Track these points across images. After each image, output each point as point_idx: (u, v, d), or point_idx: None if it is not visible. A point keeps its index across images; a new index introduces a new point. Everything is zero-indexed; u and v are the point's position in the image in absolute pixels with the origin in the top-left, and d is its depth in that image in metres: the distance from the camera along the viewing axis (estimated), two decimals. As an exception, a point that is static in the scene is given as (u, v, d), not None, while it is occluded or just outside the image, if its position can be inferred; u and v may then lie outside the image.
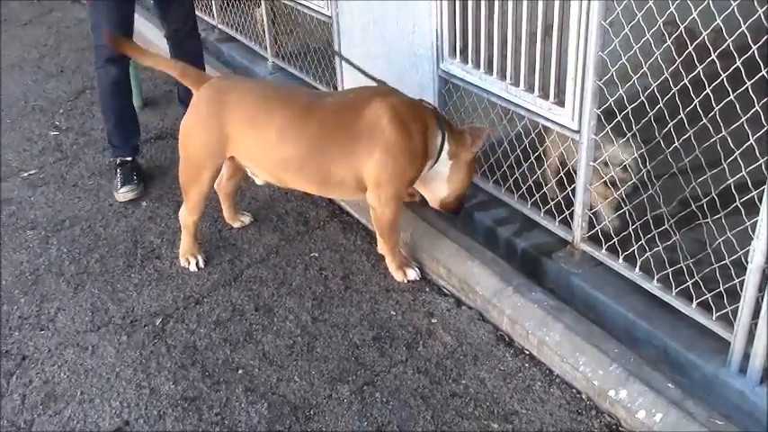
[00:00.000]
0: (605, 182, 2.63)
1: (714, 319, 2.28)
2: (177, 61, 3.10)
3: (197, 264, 3.21)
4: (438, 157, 2.87)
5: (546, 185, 2.98)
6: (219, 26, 5.36)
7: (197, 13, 5.52)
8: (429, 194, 3.06)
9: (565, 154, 2.86)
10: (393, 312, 2.93)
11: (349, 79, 3.85)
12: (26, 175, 4.10)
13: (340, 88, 3.94)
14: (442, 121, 2.87)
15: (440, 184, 2.97)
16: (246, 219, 3.49)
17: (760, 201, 2.01)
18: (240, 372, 2.67)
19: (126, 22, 3.67)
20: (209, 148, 2.90)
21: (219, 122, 2.84)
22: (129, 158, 3.89)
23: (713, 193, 2.34)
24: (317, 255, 3.30)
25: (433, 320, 2.87)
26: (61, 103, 5.03)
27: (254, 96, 2.87)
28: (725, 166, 2.21)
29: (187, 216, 3.12)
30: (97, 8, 3.60)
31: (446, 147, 2.86)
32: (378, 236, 3.03)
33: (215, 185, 3.21)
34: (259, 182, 3.29)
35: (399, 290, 3.04)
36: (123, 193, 3.76)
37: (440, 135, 2.84)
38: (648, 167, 2.54)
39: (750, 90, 1.98)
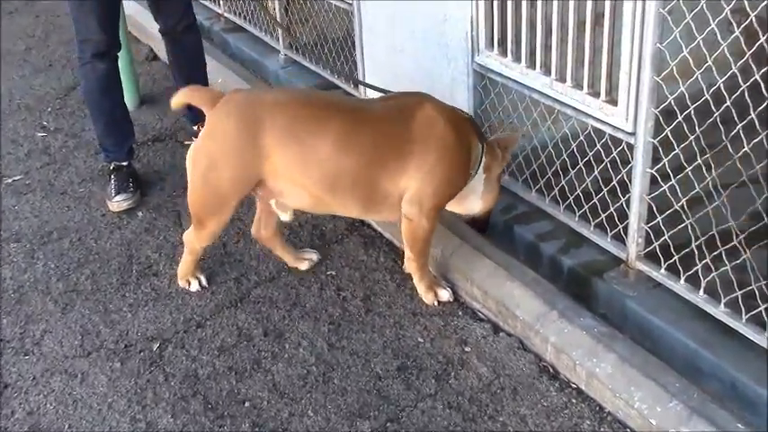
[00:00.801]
0: None
1: (790, 349, 2.26)
2: (182, 87, 3.03)
3: (199, 283, 3.23)
4: (477, 170, 2.92)
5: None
6: (226, 15, 5.43)
7: (201, 0, 5.63)
8: (461, 211, 3.11)
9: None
10: (421, 339, 2.93)
11: (370, 74, 3.88)
12: (10, 181, 4.17)
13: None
14: (480, 132, 2.95)
15: (473, 200, 3.04)
16: (314, 255, 3.38)
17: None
18: (247, 405, 2.69)
19: (115, 14, 3.73)
20: (241, 174, 2.82)
21: (254, 140, 2.76)
22: (125, 163, 3.94)
23: (789, 205, 2.32)
24: (334, 273, 3.32)
25: (466, 349, 2.88)
26: (50, 100, 5.11)
27: (294, 106, 2.83)
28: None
29: (196, 242, 3.09)
30: (86, 2, 3.59)
31: (483, 160, 2.93)
32: (407, 251, 3.03)
33: (254, 234, 3.26)
34: (285, 217, 3.17)
35: (428, 314, 3.05)
36: (118, 203, 3.81)
37: (479, 147, 2.90)
38: (714, 175, 2.53)
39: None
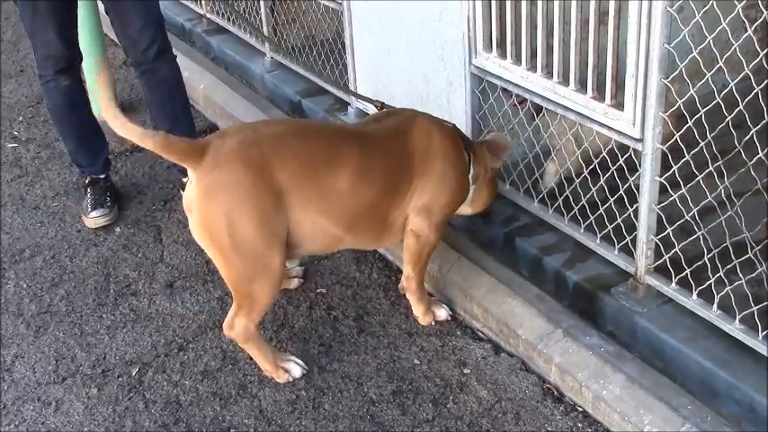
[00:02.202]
0: None
1: (811, 368, 2.26)
2: (155, 132, 2.64)
3: (298, 364, 2.91)
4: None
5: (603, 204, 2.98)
6: (208, 16, 5.44)
7: (182, 0, 5.63)
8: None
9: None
10: (417, 361, 2.93)
11: (362, 77, 3.88)
12: (-22, 195, 4.17)
13: (352, 87, 3.97)
14: (466, 142, 3.02)
15: (463, 207, 3.10)
16: (299, 269, 3.39)
17: None
18: (232, 433, 2.69)
19: (73, 22, 3.61)
20: (269, 219, 2.61)
21: (270, 183, 2.59)
22: (102, 176, 3.94)
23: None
24: (324, 291, 3.32)
25: (465, 371, 2.87)
26: (21, 109, 5.12)
27: (296, 139, 2.71)
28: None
29: (250, 324, 2.76)
30: (36, 8, 3.48)
31: (471, 171, 2.99)
32: (407, 269, 3.01)
33: None
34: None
35: (425, 334, 3.05)
36: (94, 219, 3.81)
37: (466, 157, 2.97)
38: (727, 183, 2.53)
39: None
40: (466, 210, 3.12)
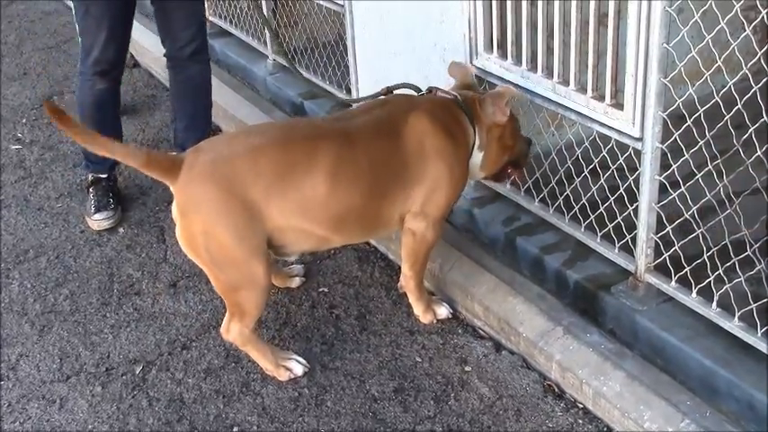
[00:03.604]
0: None
1: (809, 365, 2.27)
2: (139, 147, 2.68)
3: (298, 362, 2.93)
4: (472, 152, 2.95)
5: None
6: (211, 18, 5.45)
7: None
8: None
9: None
10: (419, 359, 2.95)
11: (364, 79, 3.90)
12: (-17, 196, 4.19)
13: (354, 89, 3.99)
14: (469, 112, 2.92)
15: (474, 172, 3.04)
16: (300, 268, 3.38)
17: None
18: (235, 429, 2.70)
19: (126, 31, 3.67)
20: (244, 229, 2.62)
21: (243, 201, 2.59)
22: (104, 176, 3.95)
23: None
24: (326, 290, 3.34)
25: (466, 368, 2.89)
26: (24, 111, 5.13)
27: (273, 147, 2.69)
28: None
29: (244, 328, 2.80)
30: (89, 10, 3.56)
31: (477, 141, 2.94)
32: (406, 268, 3.03)
33: None
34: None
35: (426, 332, 3.06)
36: (98, 221, 3.81)
37: (471, 128, 2.92)
38: (726, 182, 2.54)
39: None
40: (478, 174, 3.05)
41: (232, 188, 2.59)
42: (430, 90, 3.00)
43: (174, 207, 2.68)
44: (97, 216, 3.81)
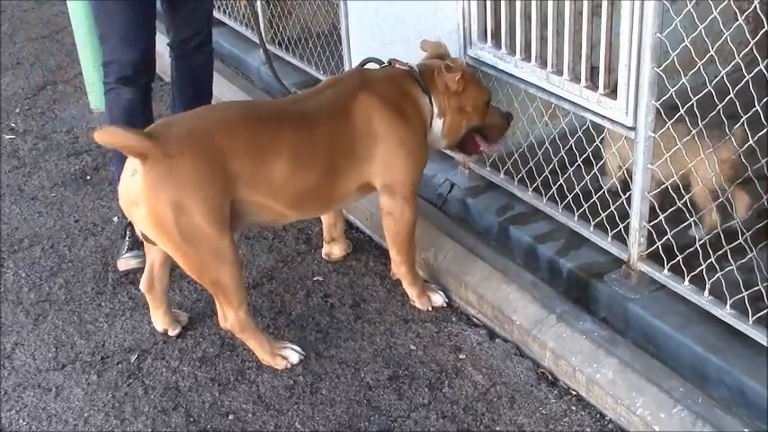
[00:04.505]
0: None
1: (800, 351, 2.29)
2: (100, 125, 2.62)
3: (294, 350, 2.93)
4: (431, 122, 3.00)
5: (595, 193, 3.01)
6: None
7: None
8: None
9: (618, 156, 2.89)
10: (413, 347, 2.96)
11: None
12: (-23, 185, 4.18)
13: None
14: (422, 81, 2.97)
15: (438, 143, 3.09)
16: (184, 318, 3.16)
17: None
18: (231, 417, 2.71)
19: (148, 28, 3.36)
20: (215, 204, 2.63)
21: (220, 170, 2.62)
22: None
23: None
24: (321, 279, 3.35)
25: (460, 356, 2.90)
26: (17, 101, 5.12)
27: (245, 124, 2.73)
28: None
29: (237, 313, 2.79)
30: (108, 13, 3.29)
31: (435, 110, 2.98)
32: (393, 253, 3.07)
33: (144, 288, 3.01)
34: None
35: (420, 320, 3.08)
36: (125, 260, 3.43)
37: (426, 98, 2.97)
38: (718, 171, 2.56)
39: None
40: (442, 144, 3.10)
41: (210, 159, 2.61)
42: (389, 62, 3.05)
43: (133, 184, 2.61)
44: (127, 255, 3.42)
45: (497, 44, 3.07)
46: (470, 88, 3.01)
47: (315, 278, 3.35)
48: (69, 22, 4.72)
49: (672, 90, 2.50)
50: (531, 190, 3.17)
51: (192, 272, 2.75)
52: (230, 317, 2.80)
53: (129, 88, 3.34)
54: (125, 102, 3.35)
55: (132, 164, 2.62)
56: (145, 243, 2.90)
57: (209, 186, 2.61)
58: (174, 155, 2.57)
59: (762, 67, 2.23)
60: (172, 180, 2.58)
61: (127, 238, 3.46)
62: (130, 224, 3.39)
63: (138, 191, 2.60)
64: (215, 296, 2.79)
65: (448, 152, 3.35)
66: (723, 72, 2.33)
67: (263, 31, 4.70)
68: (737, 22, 2.32)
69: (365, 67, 3.09)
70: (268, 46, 4.72)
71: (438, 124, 3.01)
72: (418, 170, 2.97)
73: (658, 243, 2.69)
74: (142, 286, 3.01)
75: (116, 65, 3.31)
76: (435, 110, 2.98)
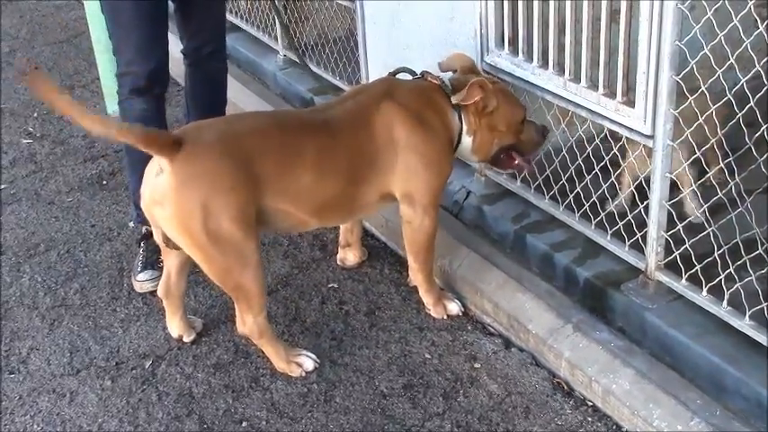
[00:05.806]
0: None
1: (820, 364, 2.27)
2: (133, 125, 2.68)
3: (310, 357, 2.93)
4: (459, 139, 2.97)
5: (613, 201, 2.99)
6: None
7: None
8: None
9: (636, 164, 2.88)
10: (428, 355, 2.95)
11: (375, 75, 3.90)
12: (-6, 190, 4.21)
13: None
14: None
15: (466, 156, 3.09)
16: (199, 324, 3.16)
17: None
18: (244, 425, 2.71)
19: (161, 36, 3.32)
20: (243, 209, 2.62)
21: (247, 174, 2.62)
22: None
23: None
24: (336, 286, 3.34)
25: (476, 365, 2.89)
26: (36, 105, 5.15)
27: (273, 131, 2.76)
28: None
29: (257, 318, 2.79)
30: (122, 27, 3.26)
31: (464, 127, 2.96)
32: (411, 261, 3.07)
33: (161, 293, 3.01)
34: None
35: (435, 328, 3.06)
36: (141, 282, 3.38)
37: (455, 114, 2.94)
38: (737, 180, 2.54)
39: None
40: (473, 159, 3.11)
41: (240, 162, 2.61)
42: (422, 74, 3.02)
43: (159, 186, 2.60)
44: (142, 276, 3.37)
45: (515, 51, 3.06)
46: (503, 107, 2.96)
47: (330, 285, 3.34)
48: (87, 27, 4.75)
49: (691, 98, 2.48)
50: (547, 198, 3.15)
51: (214, 275, 2.73)
52: (249, 322, 2.79)
53: (142, 98, 3.33)
54: (138, 112, 3.31)
55: (158, 164, 2.61)
56: (162, 249, 2.90)
57: (239, 190, 2.61)
58: (203, 156, 2.59)
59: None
60: (202, 181, 2.58)
61: (141, 252, 3.43)
62: (145, 237, 3.41)
63: (164, 191, 2.59)
64: (236, 301, 2.78)
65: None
66: (743, 80, 2.31)
67: (280, 35, 4.72)
68: (758, 30, 2.29)
69: (396, 76, 3.06)
70: (285, 52, 4.75)
71: (467, 141, 2.98)
72: (439, 181, 2.95)
73: (676, 252, 2.67)
74: (159, 292, 3.02)
75: (131, 77, 3.30)
76: (465, 127, 2.96)
